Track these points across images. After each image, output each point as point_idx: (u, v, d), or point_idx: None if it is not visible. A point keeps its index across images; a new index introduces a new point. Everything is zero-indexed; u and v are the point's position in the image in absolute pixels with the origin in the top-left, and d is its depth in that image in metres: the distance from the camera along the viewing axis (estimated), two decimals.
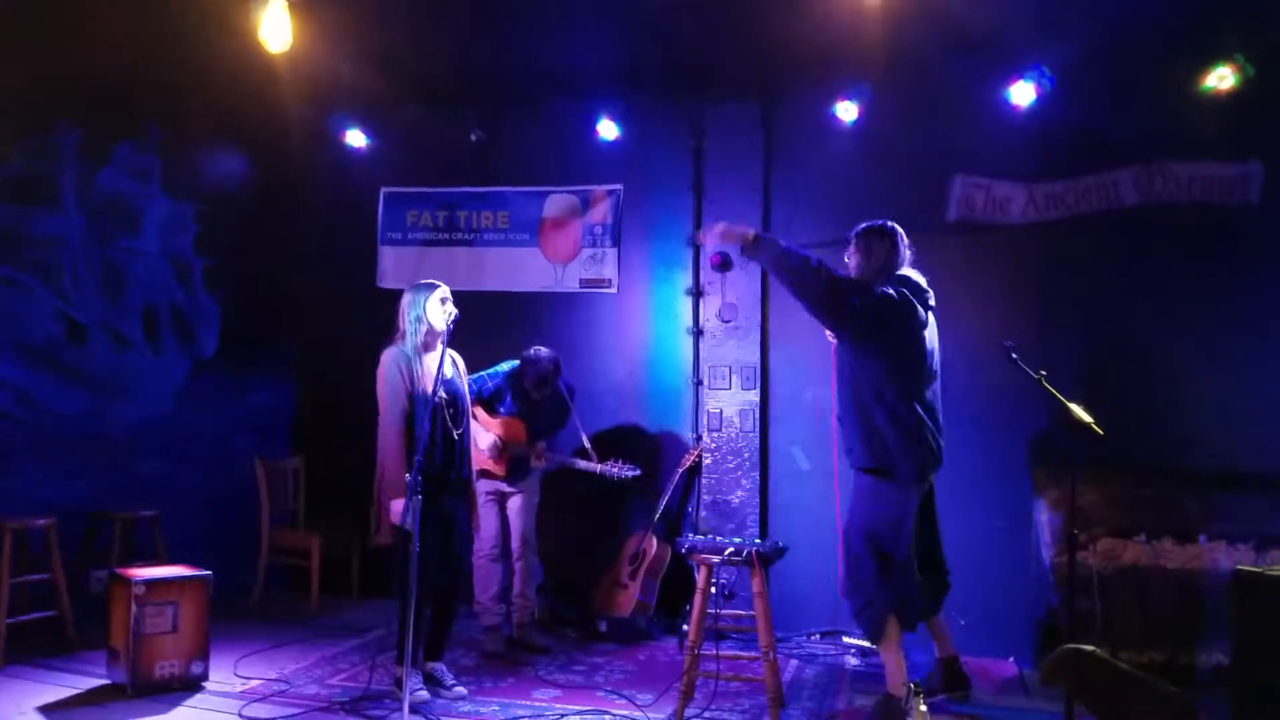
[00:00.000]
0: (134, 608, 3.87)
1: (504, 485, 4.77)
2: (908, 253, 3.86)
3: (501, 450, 4.71)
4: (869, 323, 3.61)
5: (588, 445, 4.88)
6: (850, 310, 3.58)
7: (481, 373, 4.77)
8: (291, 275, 6.11)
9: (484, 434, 4.72)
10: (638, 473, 4.82)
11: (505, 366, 4.85)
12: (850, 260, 3.89)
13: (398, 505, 3.78)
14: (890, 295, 3.65)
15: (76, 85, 4.81)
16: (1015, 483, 4.85)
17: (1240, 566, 3.52)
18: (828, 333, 3.87)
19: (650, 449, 5.53)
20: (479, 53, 5.20)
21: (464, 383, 4.16)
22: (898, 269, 3.79)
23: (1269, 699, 3.22)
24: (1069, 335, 4.85)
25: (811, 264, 3.59)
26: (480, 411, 4.76)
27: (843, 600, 4.57)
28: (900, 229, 3.86)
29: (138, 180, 5.31)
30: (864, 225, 3.90)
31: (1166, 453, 4.69)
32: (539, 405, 4.83)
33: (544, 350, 4.79)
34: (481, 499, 4.60)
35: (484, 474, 4.66)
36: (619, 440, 5.52)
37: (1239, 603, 3.44)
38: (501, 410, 4.80)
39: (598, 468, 4.79)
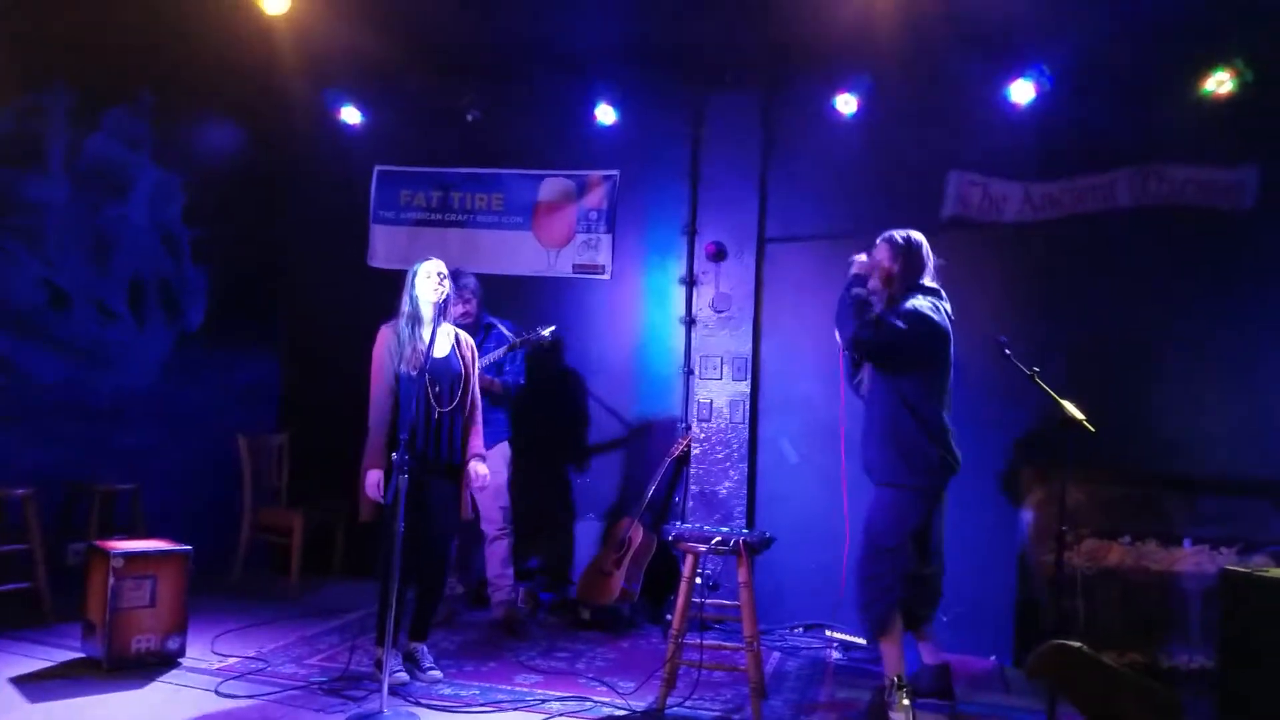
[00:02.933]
0: (112, 580, 3.82)
1: None
2: (931, 261, 3.82)
3: None
4: (913, 337, 3.61)
5: (509, 334, 4.79)
6: (891, 329, 3.60)
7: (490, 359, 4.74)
8: (282, 250, 6.05)
9: None
10: (551, 328, 4.75)
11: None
12: (877, 258, 3.82)
13: (372, 476, 3.78)
14: (926, 314, 3.64)
15: (70, 46, 4.71)
16: (1000, 480, 4.85)
17: (1228, 567, 3.52)
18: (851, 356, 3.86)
19: (638, 437, 5.52)
20: (477, 29, 5.13)
21: (466, 362, 4.03)
22: (923, 278, 3.78)
23: (1253, 699, 3.22)
24: (1059, 335, 4.83)
25: (860, 308, 3.69)
26: None
27: (833, 596, 4.54)
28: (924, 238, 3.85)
29: (128, 147, 5.21)
30: (895, 233, 3.85)
31: (1153, 455, 4.68)
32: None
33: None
34: None
35: None
36: (607, 427, 5.54)
37: (1226, 603, 3.44)
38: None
39: (513, 340, 4.68)
